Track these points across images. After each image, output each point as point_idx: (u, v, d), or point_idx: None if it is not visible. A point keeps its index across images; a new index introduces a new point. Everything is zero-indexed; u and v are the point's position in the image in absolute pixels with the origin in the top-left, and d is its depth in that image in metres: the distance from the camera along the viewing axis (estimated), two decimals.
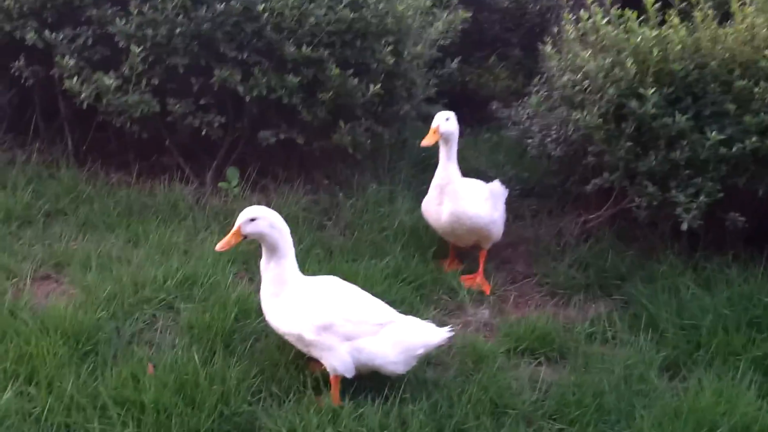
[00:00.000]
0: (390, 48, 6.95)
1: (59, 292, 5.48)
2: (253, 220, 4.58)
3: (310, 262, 5.78)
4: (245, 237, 4.63)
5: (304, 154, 7.22)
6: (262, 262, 4.68)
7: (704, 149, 5.86)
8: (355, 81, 6.82)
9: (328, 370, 4.58)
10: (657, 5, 6.21)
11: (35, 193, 6.57)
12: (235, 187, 6.91)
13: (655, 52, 5.99)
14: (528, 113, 7.63)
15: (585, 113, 6.26)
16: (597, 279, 6.17)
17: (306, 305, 4.58)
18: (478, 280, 6.10)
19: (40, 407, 4.28)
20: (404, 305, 5.53)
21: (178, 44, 6.56)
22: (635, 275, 6.11)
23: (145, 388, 4.38)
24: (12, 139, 7.38)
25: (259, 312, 5.17)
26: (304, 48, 6.58)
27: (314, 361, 4.76)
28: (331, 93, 6.77)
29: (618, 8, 6.42)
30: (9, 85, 7.30)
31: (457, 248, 6.39)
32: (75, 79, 6.60)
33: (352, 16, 6.74)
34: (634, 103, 5.96)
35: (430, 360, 5.07)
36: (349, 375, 4.56)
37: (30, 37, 6.64)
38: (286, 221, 4.67)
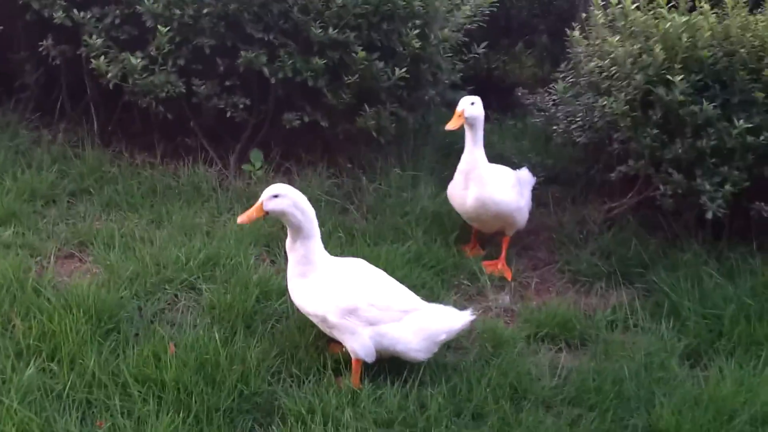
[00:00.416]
0: (416, 31, 6.92)
1: (82, 270, 5.52)
2: (276, 196, 4.58)
3: (332, 246, 5.78)
4: (267, 213, 4.64)
5: (328, 137, 7.22)
6: (288, 242, 4.69)
7: (731, 138, 5.82)
8: (381, 64, 6.79)
9: (349, 353, 4.59)
10: None
11: (60, 173, 6.62)
12: (258, 169, 6.93)
13: (684, 38, 5.94)
14: (554, 100, 7.59)
15: (611, 100, 6.22)
16: (619, 267, 6.13)
17: (332, 288, 4.58)
18: (499, 266, 6.09)
19: (62, 384, 4.32)
20: (425, 290, 5.54)
21: (204, 24, 6.56)
22: (658, 264, 6.08)
23: (166, 367, 4.41)
24: (38, 118, 7.41)
25: (280, 293, 5.23)
26: (330, 30, 6.56)
27: (335, 343, 4.77)
28: (356, 76, 6.74)
29: None
30: (36, 65, 7.33)
31: (480, 234, 6.37)
32: (102, 58, 6.62)
33: None
34: (661, 90, 5.91)
35: (450, 344, 5.06)
36: (370, 360, 4.57)
37: (58, 16, 6.66)
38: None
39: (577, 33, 6.94)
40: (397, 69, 6.84)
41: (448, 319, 4.69)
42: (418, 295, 4.86)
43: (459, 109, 5.88)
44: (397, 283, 4.79)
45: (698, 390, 4.74)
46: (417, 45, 6.92)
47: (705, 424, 4.45)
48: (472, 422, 4.41)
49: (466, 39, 8.02)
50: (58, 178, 6.54)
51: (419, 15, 7.03)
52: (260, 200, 4.63)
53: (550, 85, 7.72)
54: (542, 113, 7.73)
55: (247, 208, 6.20)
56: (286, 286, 4.80)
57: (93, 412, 4.22)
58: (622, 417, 4.55)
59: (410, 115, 7.44)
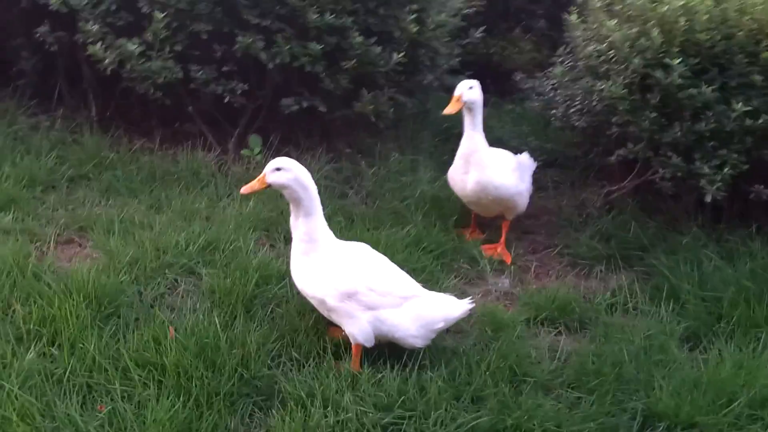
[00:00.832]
0: (414, 16, 6.92)
1: (82, 255, 5.53)
2: (279, 169, 4.58)
3: (332, 230, 5.76)
4: (269, 186, 4.63)
5: (327, 122, 7.22)
6: (292, 220, 4.70)
7: (730, 121, 5.81)
8: (378, 49, 6.78)
9: (348, 337, 4.60)
10: None
11: (59, 159, 6.62)
12: (257, 154, 6.93)
13: (682, 21, 5.93)
14: (552, 84, 7.58)
15: (610, 83, 6.20)
16: (619, 250, 6.13)
17: (332, 270, 4.58)
18: (499, 250, 6.09)
19: (62, 368, 4.33)
20: (425, 274, 5.54)
21: (201, 10, 6.56)
22: (657, 247, 6.08)
23: (166, 351, 4.42)
24: (36, 105, 7.42)
25: (280, 278, 5.24)
26: (327, 15, 6.55)
27: (334, 327, 4.78)
28: (353, 61, 6.74)
29: None
30: (33, 51, 7.32)
31: (479, 218, 6.38)
32: (98, 44, 6.61)
33: None
34: (659, 74, 5.90)
35: (450, 328, 5.06)
36: (369, 344, 4.58)
37: (54, 2, 6.64)
38: None
39: (574, 17, 6.91)
40: (394, 54, 6.84)
41: (447, 307, 4.68)
42: (417, 279, 4.86)
43: (457, 93, 5.86)
44: (398, 269, 4.78)
45: (697, 373, 4.73)
46: (414, 30, 6.92)
47: (704, 407, 4.45)
48: (471, 405, 4.40)
49: (464, 23, 8.01)
50: (57, 164, 6.55)
51: None
52: (263, 172, 4.63)
53: (548, 70, 7.70)
54: (540, 97, 7.71)
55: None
56: (289, 267, 4.80)
57: (93, 396, 4.23)
58: (621, 400, 4.54)
59: (408, 99, 7.45)
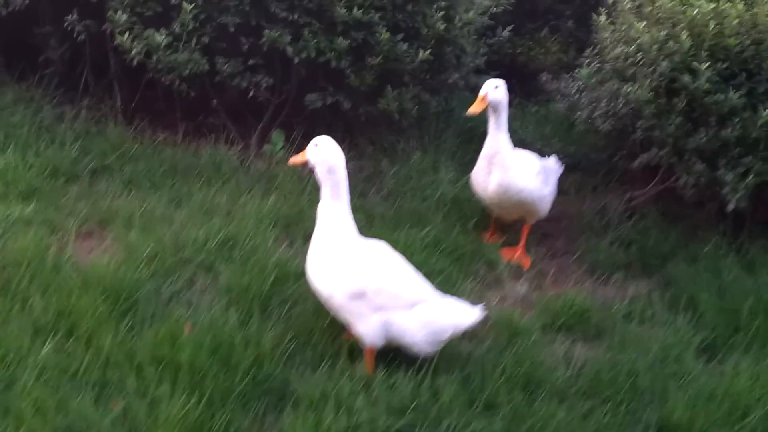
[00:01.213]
0: (441, 13, 6.89)
1: (102, 248, 5.55)
2: (316, 146, 4.71)
3: None
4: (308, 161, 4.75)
5: (350, 119, 7.21)
6: (320, 204, 4.77)
7: (756, 128, 5.77)
8: (405, 46, 6.77)
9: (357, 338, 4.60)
10: None
11: (82, 149, 6.63)
12: (279, 150, 6.92)
13: (712, 25, 5.88)
14: (578, 86, 7.53)
15: (636, 87, 6.16)
16: (639, 257, 6.11)
17: (343, 267, 4.56)
18: (518, 254, 6.06)
19: (77, 363, 4.36)
20: (442, 276, 5.52)
21: (229, 2, 6.56)
22: (678, 255, 6.05)
23: (181, 348, 4.44)
24: (62, 94, 7.42)
25: (297, 276, 5.25)
26: (354, 10, 6.53)
27: (348, 331, 4.78)
28: (380, 57, 6.72)
29: None
30: (61, 40, 7.34)
31: (500, 221, 6.33)
32: (126, 35, 6.62)
33: None
34: (687, 78, 5.85)
35: (464, 333, 5.06)
36: (377, 346, 4.56)
37: None
38: None
39: (603, 18, 6.86)
40: (421, 51, 6.81)
41: (457, 315, 4.62)
42: (434, 281, 4.84)
43: (482, 92, 5.83)
44: (413, 270, 4.74)
45: (713, 384, 4.71)
46: (442, 27, 6.89)
47: (719, 420, 4.44)
48: (484, 412, 4.40)
49: (492, 22, 7.97)
50: (80, 155, 6.56)
51: None
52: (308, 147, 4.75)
53: (575, 71, 7.65)
54: (566, 99, 7.67)
55: (267, 190, 6.33)
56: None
57: (107, 391, 4.25)
58: (635, 410, 4.53)
59: (433, 98, 7.42)
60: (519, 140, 7.07)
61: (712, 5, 5.99)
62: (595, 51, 7.46)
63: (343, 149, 6.81)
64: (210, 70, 6.72)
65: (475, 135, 7.34)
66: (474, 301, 5.18)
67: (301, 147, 6.89)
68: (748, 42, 5.91)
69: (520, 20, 9.18)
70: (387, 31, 6.65)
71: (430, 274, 5.30)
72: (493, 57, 8.47)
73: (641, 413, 4.52)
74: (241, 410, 4.25)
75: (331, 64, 6.69)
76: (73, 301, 4.70)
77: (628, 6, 6.67)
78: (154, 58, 6.63)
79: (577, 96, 7.40)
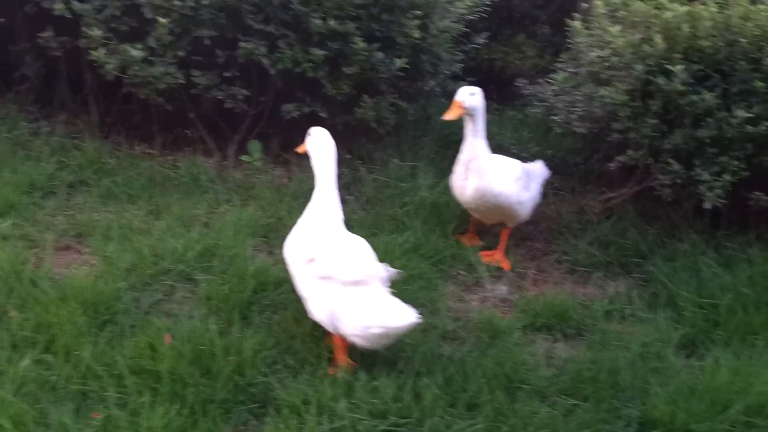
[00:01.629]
0: (417, 22, 6.91)
1: (80, 262, 5.52)
2: (310, 135, 5.05)
3: None
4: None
5: (327, 128, 7.15)
6: None
7: (730, 127, 5.81)
8: (381, 55, 6.78)
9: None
10: None
11: (59, 164, 6.61)
12: (257, 160, 6.93)
13: (685, 28, 5.92)
14: (554, 90, 7.57)
15: (612, 90, 6.19)
16: (617, 257, 6.14)
17: (303, 236, 4.77)
18: (497, 257, 6.07)
19: (57, 375, 4.33)
20: (422, 280, 5.54)
21: (204, 16, 6.56)
22: (656, 253, 6.08)
23: (161, 358, 4.42)
24: (38, 110, 7.40)
25: (277, 284, 5.26)
26: (330, 21, 6.55)
27: (330, 335, 4.77)
28: (356, 67, 6.74)
29: None
30: (36, 57, 7.32)
31: (479, 224, 6.34)
32: (101, 50, 6.61)
33: None
34: (661, 80, 5.89)
35: (446, 335, 5.09)
36: (324, 323, 4.59)
37: (58, 7, 6.64)
38: (308, 195, 4.86)
39: (578, 23, 6.91)
40: (397, 60, 6.84)
41: (389, 313, 4.49)
42: (414, 285, 4.86)
43: (457, 98, 5.86)
44: (375, 259, 4.73)
45: (694, 380, 4.73)
46: (417, 35, 6.92)
47: (699, 414, 4.44)
48: (467, 413, 4.40)
49: (467, 29, 8.00)
50: (57, 170, 6.54)
51: (419, 5, 7.02)
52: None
53: (550, 76, 7.69)
54: (542, 104, 7.70)
55: (245, 199, 6.33)
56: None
57: (88, 403, 4.23)
58: (616, 407, 4.54)
59: (410, 105, 7.46)
60: (497, 145, 7.11)
61: (686, 8, 6.02)
62: (571, 55, 7.51)
63: None
64: (186, 83, 6.71)
65: (452, 141, 7.34)
66: (453, 304, 5.21)
67: (278, 157, 6.98)
68: (721, 44, 5.95)
69: (497, 26, 9.24)
70: (363, 40, 6.67)
71: (410, 278, 5.34)
72: (470, 63, 8.49)
73: (623, 410, 4.52)
74: (223, 418, 4.23)
75: (308, 74, 6.71)
76: (52, 314, 4.68)
77: (602, 10, 6.70)
78: (130, 72, 6.62)
79: (554, 100, 7.43)
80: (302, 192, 6.32)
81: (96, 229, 5.80)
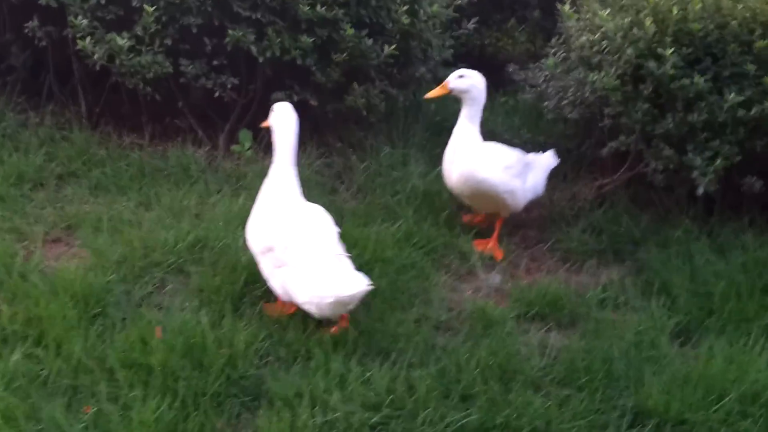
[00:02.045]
0: (405, 8, 6.88)
1: (70, 254, 5.48)
2: (273, 111, 5.18)
3: None
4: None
5: (317, 116, 7.17)
6: None
7: (722, 111, 5.79)
8: (370, 42, 6.75)
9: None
10: None
11: (47, 156, 6.56)
12: (247, 149, 6.89)
13: (675, 11, 5.90)
14: (545, 76, 7.53)
15: (602, 74, 6.16)
16: (611, 244, 6.11)
17: (260, 224, 4.89)
18: (490, 246, 6.03)
19: (47, 369, 4.30)
20: (415, 269, 5.51)
21: (191, 3, 6.49)
22: (649, 240, 6.06)
23: (153, 351, 4.39)
24: (25, 101, 7.34)
25: None
26: (318, 7, 6.50)
27: (326, 325, 4.75)
28: (345, 54, 6.70)
29: None
30: (23, 47, 7.26)
31: (474, 213, 6.31)
32: (88, 39, 6.55)
33: None
34: (652, 64, 5.86)
35: (439, 325, 5.06)
36: (281, 296, 4.78)
37: None
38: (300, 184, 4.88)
39: (567, 7, 6.86)
40: (386, 46, 6.80)
41: (341, 283, 4.59)
42: (407, 275, 4.82)
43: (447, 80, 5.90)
44: (331, 231, 4.89)
45: (688, 368, 4.71)
46: (406, 21, 6.88)
47: (694, 403, 4.43)
48: (460, 404, 4.37)
49: (457, 15, 7.95)
50: (45, 161, 6.49)
51: None
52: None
53: (541, 61, 7.65)
54: (533, 89, 7.66)
55: (236, 189, 6.30)
56: None
57: (79, 397, 4.20)
58: (611, 397, 4.52)
59: (400, 92, 7.41)
60: (488, 131, 7.06)
61: None
62: (561, 40, 7.47)
63: (311, 147, 6.90)
64: (174, 71, 6.66)
65: (444, 128, 7.30)
66: (446, 294, 5.18)
67: (268, 146, 6.90)
68: (712, 26, 5.93)
69: (487, 11, 9.18)
70: (351, 27, 6.63)
71: (402, 268, 5.31)
72: (460, 49, 8.46)
73: (617, 399, 4.50)
74: (215, 411, 4.20)
75: (297, 62, 6.66)
76: (42, 307, 4.64)
77: None
78: (117, 61, 6.57)
79: (545, 85, 7.38)
80: None
81: (86, 221, 5.75)
